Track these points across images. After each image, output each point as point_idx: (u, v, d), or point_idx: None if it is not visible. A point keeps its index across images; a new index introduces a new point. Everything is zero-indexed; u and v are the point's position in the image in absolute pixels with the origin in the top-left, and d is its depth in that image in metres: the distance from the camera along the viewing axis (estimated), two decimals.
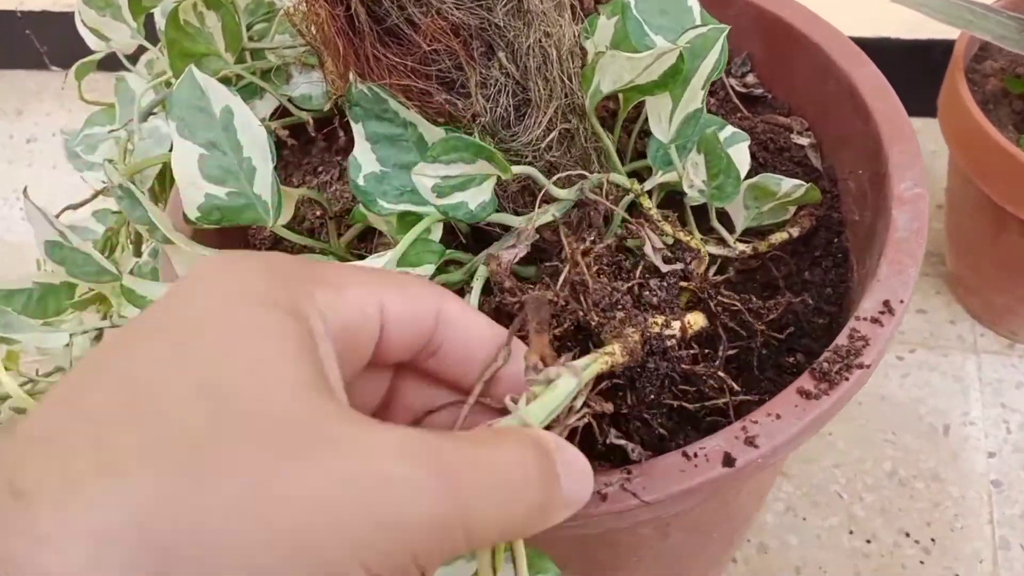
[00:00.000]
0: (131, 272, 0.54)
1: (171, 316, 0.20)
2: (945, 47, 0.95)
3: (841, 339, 0.37)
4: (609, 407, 0.28)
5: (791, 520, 0.71)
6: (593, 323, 0.31)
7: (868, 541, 0.69)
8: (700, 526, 0.49)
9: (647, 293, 0.34)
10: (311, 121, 0.51)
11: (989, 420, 0.74)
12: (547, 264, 0.39)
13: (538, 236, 0.36)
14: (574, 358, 0.26)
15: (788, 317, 0.44)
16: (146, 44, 0.55)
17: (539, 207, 0.38)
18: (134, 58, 0.61)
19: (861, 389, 0.67)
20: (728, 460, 0.34)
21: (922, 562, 0.68)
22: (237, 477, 0.17)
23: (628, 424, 0.34)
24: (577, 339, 0.34)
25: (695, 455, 0.34)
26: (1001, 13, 0.61)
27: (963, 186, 0.70)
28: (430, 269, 0.38)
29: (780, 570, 0.68)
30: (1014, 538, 0.68)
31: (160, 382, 0.18)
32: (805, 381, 0.36)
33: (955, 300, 0.81)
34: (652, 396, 0.32)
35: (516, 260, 0.38)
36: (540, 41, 0.37)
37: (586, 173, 0.38)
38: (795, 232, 0.45)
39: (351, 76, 0.36)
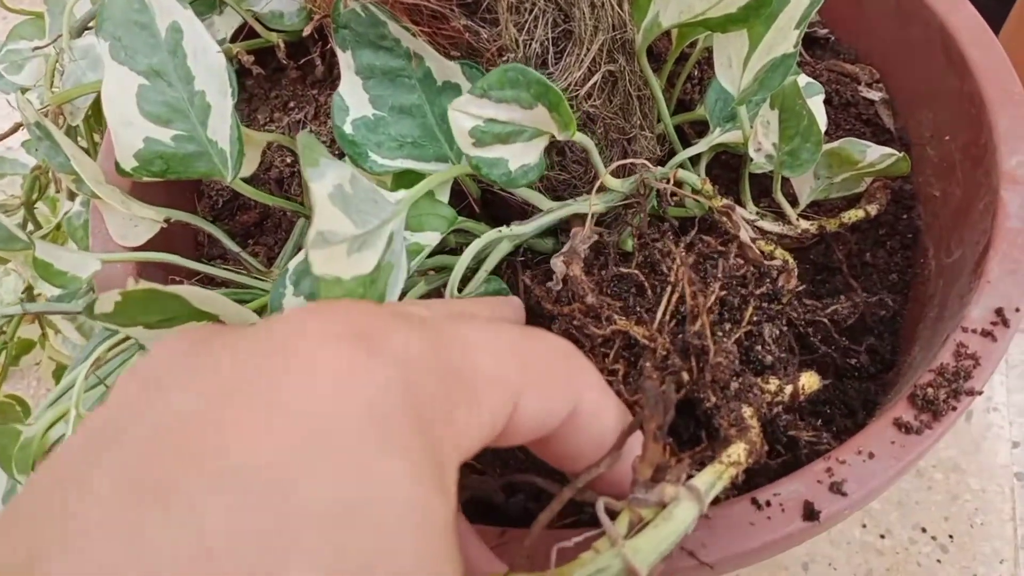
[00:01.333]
0: (59, 226, 0.45)
1: (284, 450, 0.14)
2: None
3: (945, 356, 0.29)
4: None
5: None
6: (708, 404, 0.23)
7: (882, 536, 0.64)
8: None
9: (759, 348, 0.26)
10: (282, 45, 0.42)
11: (1014, 407, 0.69)
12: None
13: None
14: (692, 460, 0.18)
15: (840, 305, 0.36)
16: None
17: (593, 191, 0.29)
18: None
19: None
20: (810, 512, 0.27)
21: (939, 560, 0.63)
22: None
23: None
24: (627, 357, 0.26)
25: (768, 504, 0.27)
26: None
27: None
28: (435, 237, 0.30)
29: (787, 565, 0.63)
30: None
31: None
32: (905, 411, 0.28)
33: None
34: None
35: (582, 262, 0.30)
36: None
37: (648, 164, 0.29)
38: (872, 210, 0.37)
39: None
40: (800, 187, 0.37)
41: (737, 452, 0.21)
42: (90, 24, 0.44)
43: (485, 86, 0.24)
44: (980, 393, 0.29)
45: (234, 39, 0.41)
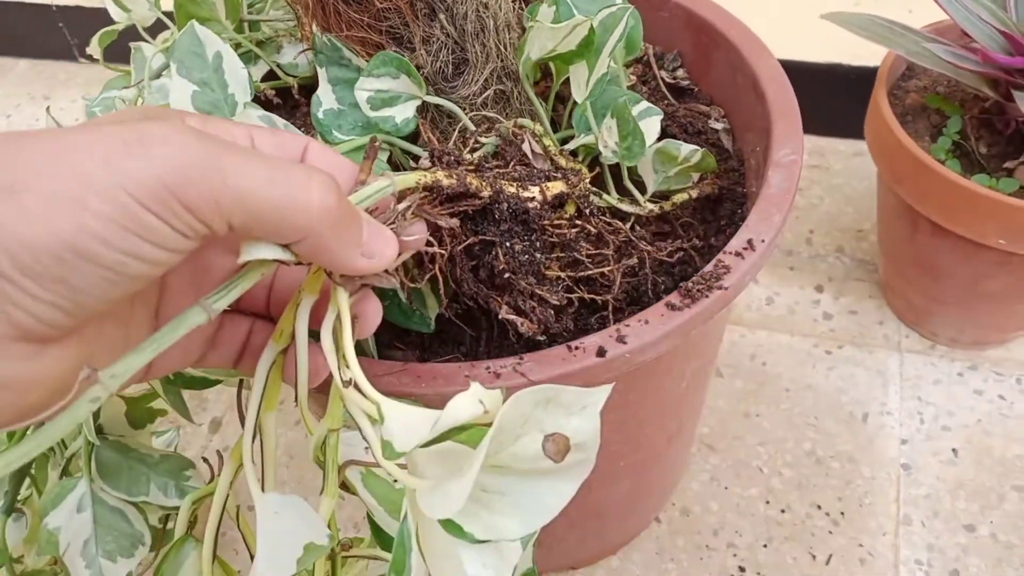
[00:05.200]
0: None
1: None
2: None
3: (708, 267, 0.44)
4: (454, 222, 0.36)
5: (714, 489, 0.77)
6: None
7: (783, 511, 0.75)
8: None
9: (511, 173, 0.41)
10: (296, 85, 0.59)
11: (905, 411, 0.81)
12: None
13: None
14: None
15: (688, 269, 0.51)
16: (164, 19, 0.64)
17: (468, 147, 0.46)
18: (154, 31, 0.69)
19: (788, 375, 0.75)
20: (600, 352, 0.41)
21: (830, 532, 0.74)
22: None
23: (524, 303, 0.41)
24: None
25: (576, 348, 0.41)
26: (917, 33, 0.69)
27: (886, 194, 0.78)
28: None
29: (699, 531, 0.74)
30: (916, 515, 0.74)
31: None
32: (674, 298, 0.43)
33: (885, 304, 0.88)
34: (526, 256, 0.40)
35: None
36: (477, 10, 0.45)
37: (500, 118, 0.45)
38: (694, 194, 0.52)
39: (315, 28, 0.45)
40: (647, 180, 0.53)
41: (436, 171, 0.36)
42: (162, 73, 0.62)
43: (369, 69, 0.41)
44: (727, 289, 0.43)
45: (263, 81, 0.59)
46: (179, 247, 0.26)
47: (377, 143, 0.36)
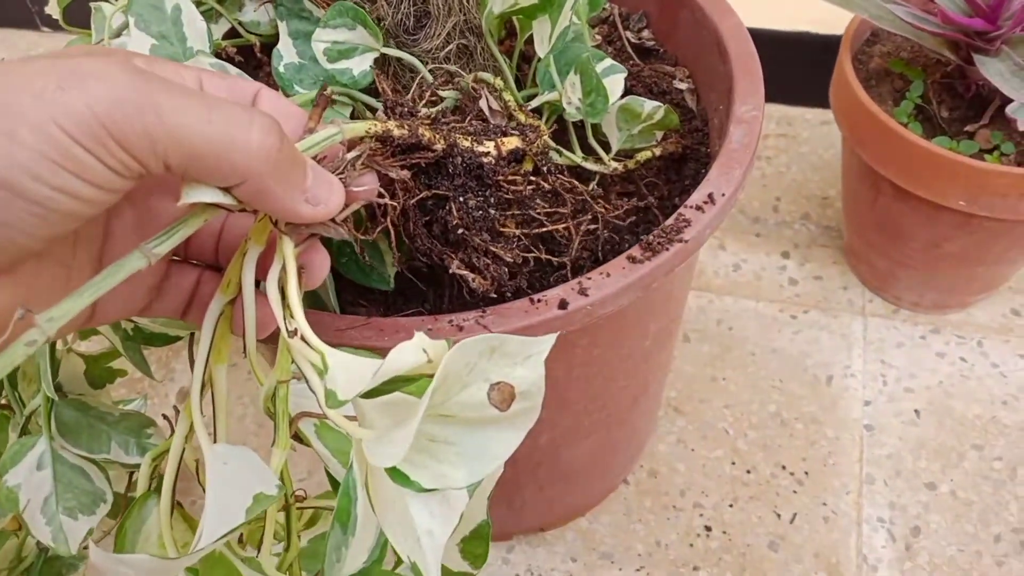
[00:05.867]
0: None
1: None
2: None
3: (669, 221, 0.44)
4: (405, 173, 0.36)
5: (681, 450, 0.78)
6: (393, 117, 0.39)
7: (748, 471, 0.76)
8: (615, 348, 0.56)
9: (467, 127, 0.41)
10: (258, 44, 0.58)
11: (868, 374, 0.82)
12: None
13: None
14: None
15: (652, 229, 0.51)
16: None
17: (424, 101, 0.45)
18: None
19: (754, 339, 0.76)
20: (563, 304, 0.41)
21: (795, 491, 0.75)
22: None
23: (478, 260, 0.41)
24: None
25: (539, 301, 0.42)
26: None
27: (850, 158, 0.78)
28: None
29: (666, 492, 0.75)
30: (879, 474, 0.75)
31: None
32: (635, 251, 0.43)
33: (849, 270, 0.89)
34: (480, 211, 0.40)
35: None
36: None
37: (462, 72, 0.45)
38: (658, 152, 0.52)
39: None
40: (611, 138, 0.53)
41: (388, 121, 0.36)
42: (121, 32, 0.61)
43: (325, 20, 0.40)
44: (687, 242, 0.43)
45: (225, 39, 0.58)
46: (113, 185, 0.26)
47: (328, 91, 0.35)
